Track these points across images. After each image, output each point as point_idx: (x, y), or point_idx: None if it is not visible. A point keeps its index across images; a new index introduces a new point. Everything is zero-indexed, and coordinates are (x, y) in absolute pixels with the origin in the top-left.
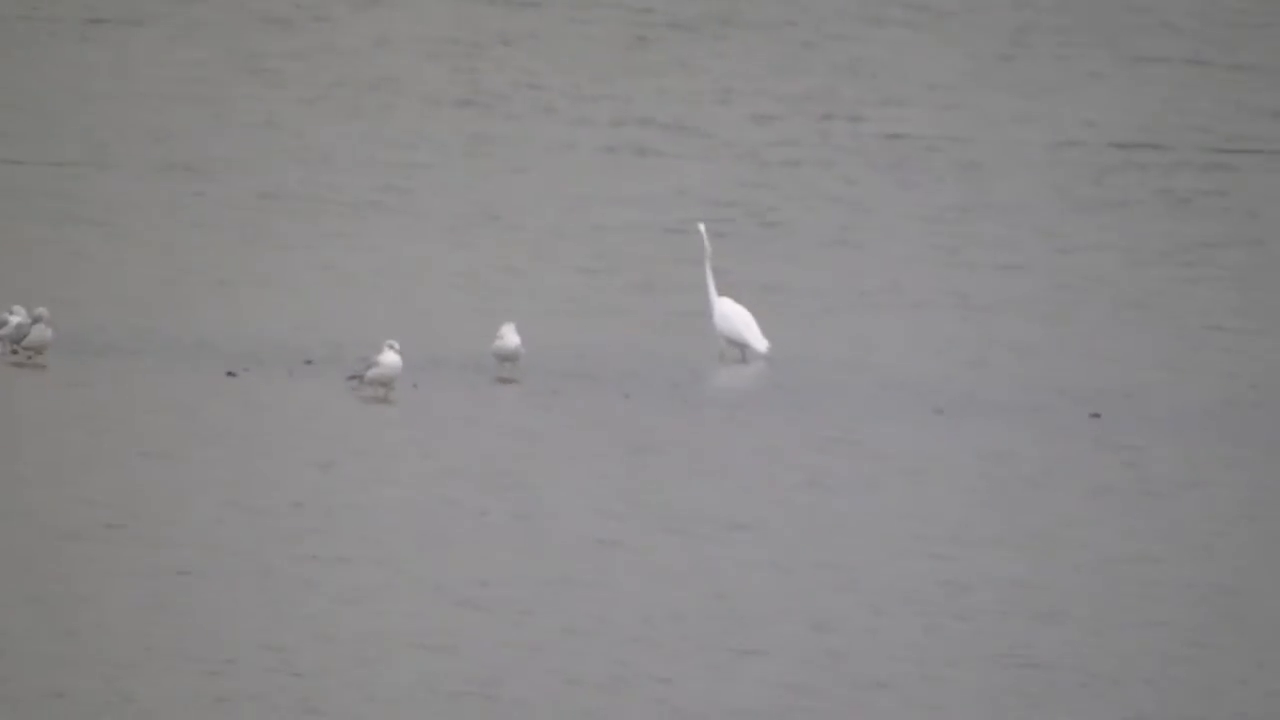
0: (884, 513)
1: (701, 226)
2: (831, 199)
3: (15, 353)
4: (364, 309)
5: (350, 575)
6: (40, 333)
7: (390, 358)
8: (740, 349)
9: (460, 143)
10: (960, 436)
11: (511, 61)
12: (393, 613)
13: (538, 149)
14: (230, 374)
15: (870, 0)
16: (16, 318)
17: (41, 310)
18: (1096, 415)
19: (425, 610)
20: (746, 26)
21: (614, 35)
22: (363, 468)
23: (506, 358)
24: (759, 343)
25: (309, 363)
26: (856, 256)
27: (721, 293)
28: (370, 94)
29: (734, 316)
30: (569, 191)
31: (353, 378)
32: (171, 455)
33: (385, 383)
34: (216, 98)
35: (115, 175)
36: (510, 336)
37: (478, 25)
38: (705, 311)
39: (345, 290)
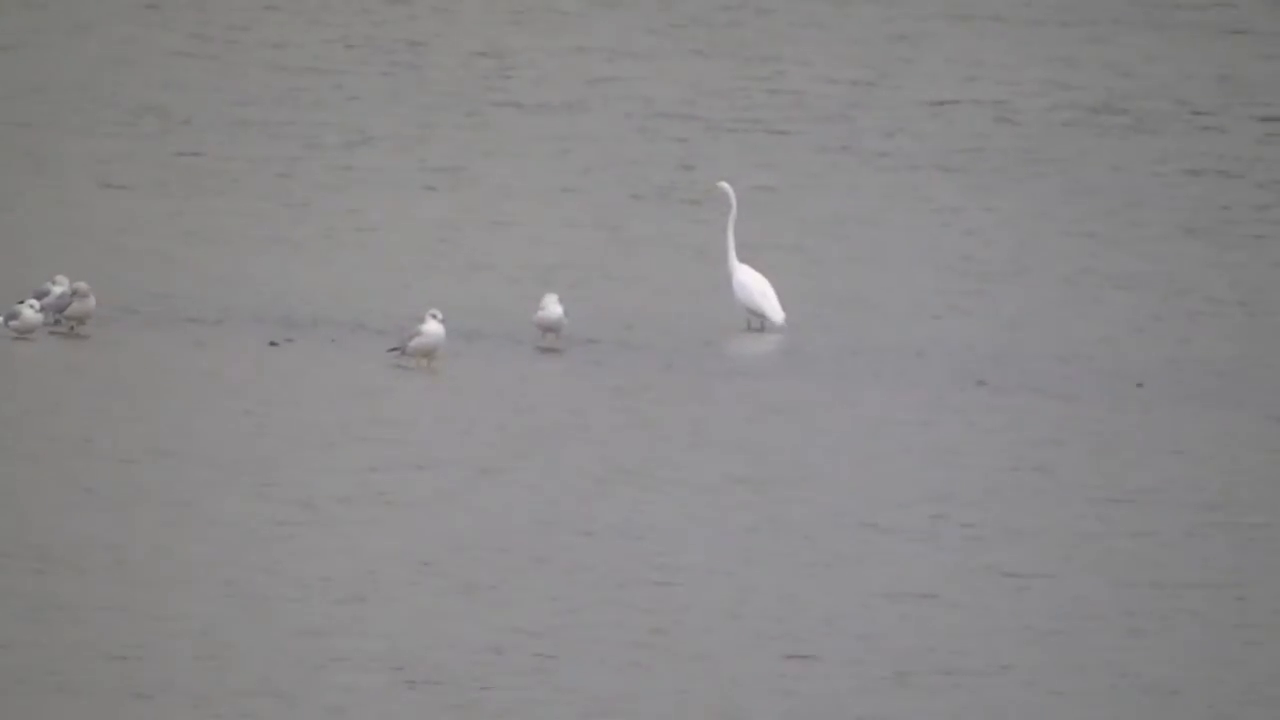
0: (943, 484)
1: (724, 184)
2: (858, 166)
3: (58, 323)
4: (407, 279)
5: (390, 544)
6: (82, 303)
7: (433, 327)
8: (758, 318)
9: (495, 114)
10: (1007, 407)
11: (536, 35)
12: (432, 582)
13: (567, 119)
14: (273, 344)
15: None
16: (59, 288)
17: (81, 284)
18: (1141, 385)
19: (466, 577)
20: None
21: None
22: (404, 438)
23: (549, 328)
24: (776, 313)
25: (352, 331)
26: (883, 228)
27: (742, 260)
28: (404, 62)
29: (752, 285)
30: (601, 160)
31: (394, 349)
32: (212, 426)
33: (427, 353)
34: (256, 67)
35: (154, 143)
36: (553, 307)
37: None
38: (724, 278)
39: (388, 260)
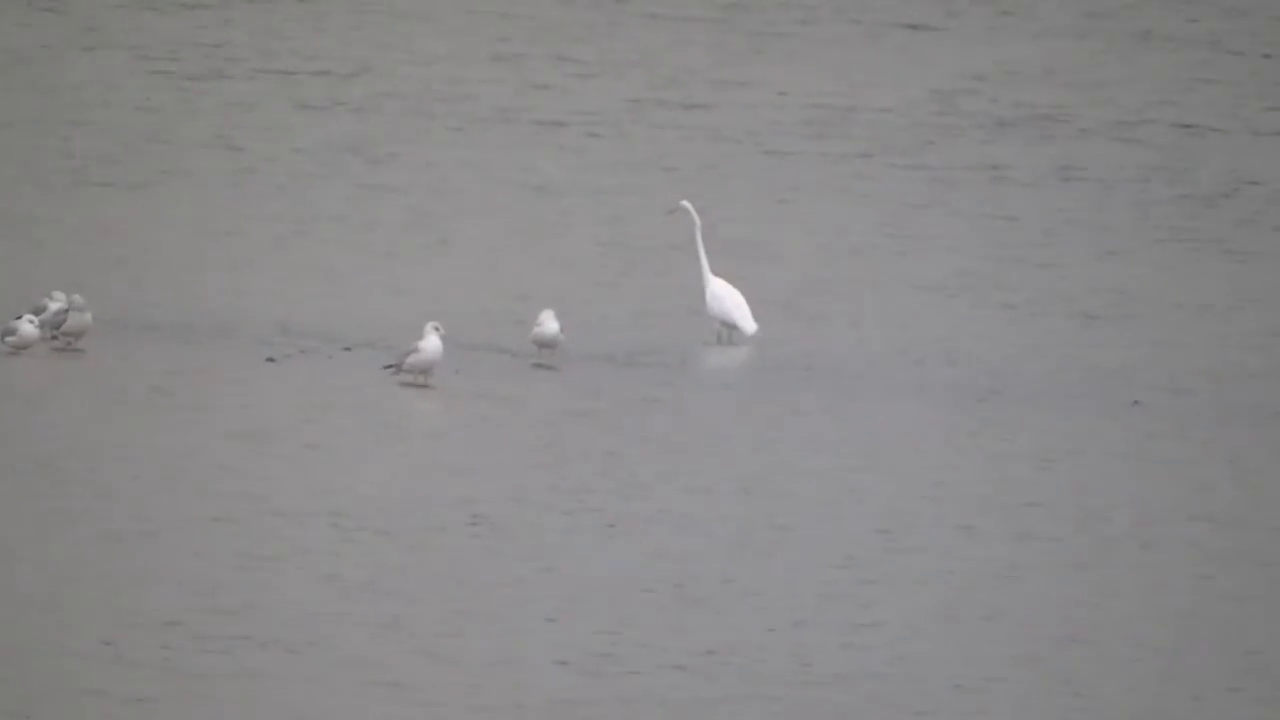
0: (950, 496)
1: (685, 203)
2: (844, 184)
3: (55, 339)
4: (403, 295)
5: (385, 564)
6: (78, 318)
7: (431, 343)
8: (729, 329)
9: (490, 132)
10: (1005, 423)
11: (519, 48)
12: (432, 600)
13: (558, 132)
14: (270, 360)
15: None
16: (55, 304)
17: (77, 297)
18: (1138, 402)
19: (463, 597)
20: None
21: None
22: (404, 456)
23: (546, 344)
24: (748, 324)
25: (348, 349)
26: (858, 240)
27: (716, 272)
28: (394, 78)
29: (725, 298)
30: (583, 172)
31: (390, 366)
32: (208, 444)
33: (425, 370)
34: (256, 84)
35: (154, 156)
36: (549, 323)
37: (491, 17)
38: (699, 291)
39: (385, 276)
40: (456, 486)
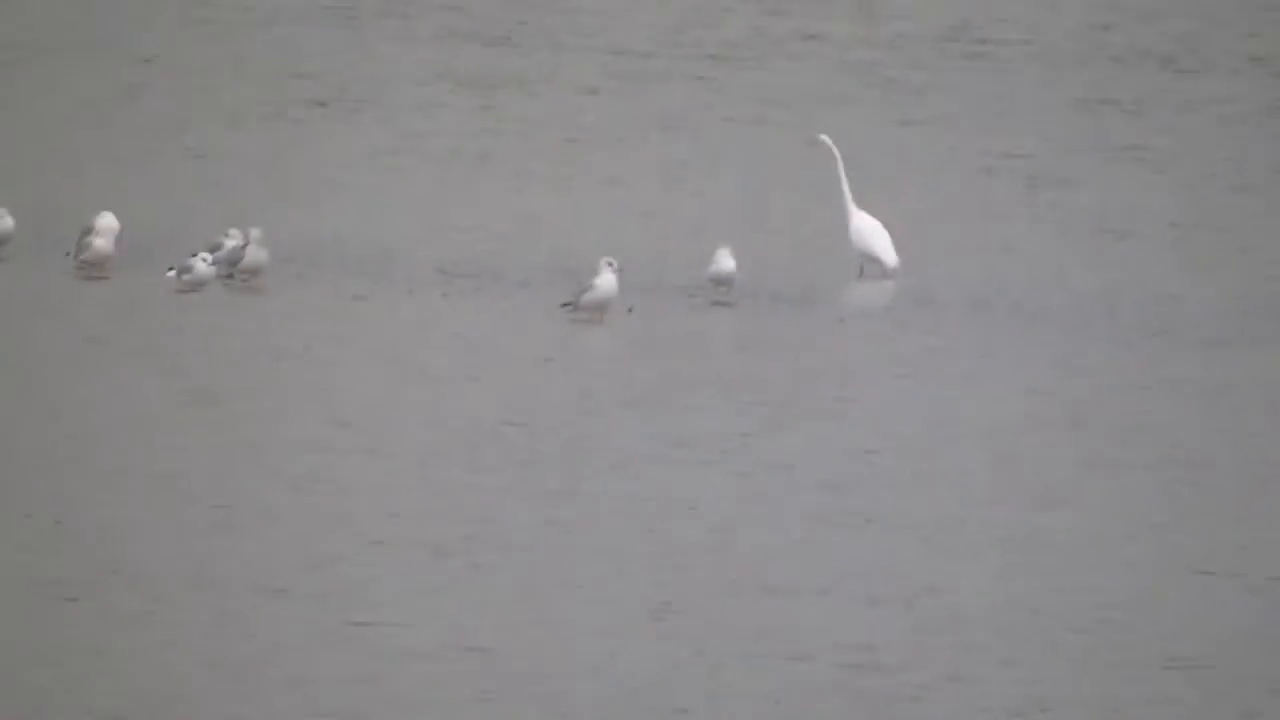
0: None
1: (825, 137)
2: (976, 115)
3: (231, 276)
4: (578, 230)
5: (565, 501)
6: (255, 255)
7: (606, 280)
8: (874, 263)
9: (636, 66)
10: (1178, 360)
11: None
12: (595, 539)
13: (698, 66)
14: (445, 295)
15: None
16: (232, 241)
17: (256, 231)
18: None
19: (628, 538)
20: None
21: None
22: (575, 392)
23: (722, 281)
24: (890, 257)
25: (524, 284)
26: (1014, 173)
27: (860, 206)
28: (551, 19)
29: (867, 231)
30: (727, 107)
31: (567, 304)
32: (386, 376)
33: (600, 307)
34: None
35: (325, 90)
36: (725, 260)
37: None
38: (842, 224)
39: (559, 212)
40: (625, 425)
